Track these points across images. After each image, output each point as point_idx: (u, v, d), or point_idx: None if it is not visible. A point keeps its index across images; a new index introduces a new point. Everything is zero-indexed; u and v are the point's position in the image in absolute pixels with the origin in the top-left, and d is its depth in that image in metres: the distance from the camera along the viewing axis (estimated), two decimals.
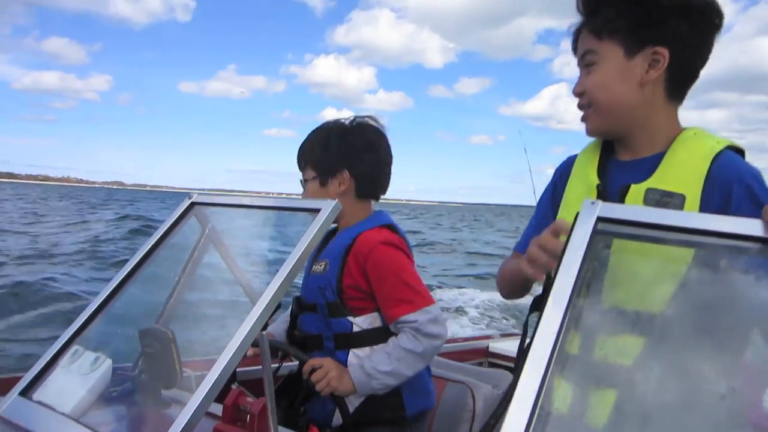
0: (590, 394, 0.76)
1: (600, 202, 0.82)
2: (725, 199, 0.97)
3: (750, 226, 0.71)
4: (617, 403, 0.73)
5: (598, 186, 1.10)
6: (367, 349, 1.50)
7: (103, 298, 1.34)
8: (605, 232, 0.81)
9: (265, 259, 1.68)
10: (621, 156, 1.14)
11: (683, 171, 1.01)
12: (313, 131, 1.66)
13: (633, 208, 0.85)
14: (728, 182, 0.97)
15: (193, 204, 1.47)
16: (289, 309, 1.71)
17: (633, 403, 0.74)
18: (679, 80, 1.07)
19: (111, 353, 1.26)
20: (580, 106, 1.14)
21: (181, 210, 1.45)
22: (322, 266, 1.56)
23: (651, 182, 1.02)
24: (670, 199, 0.99)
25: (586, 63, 1.10)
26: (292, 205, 1.29)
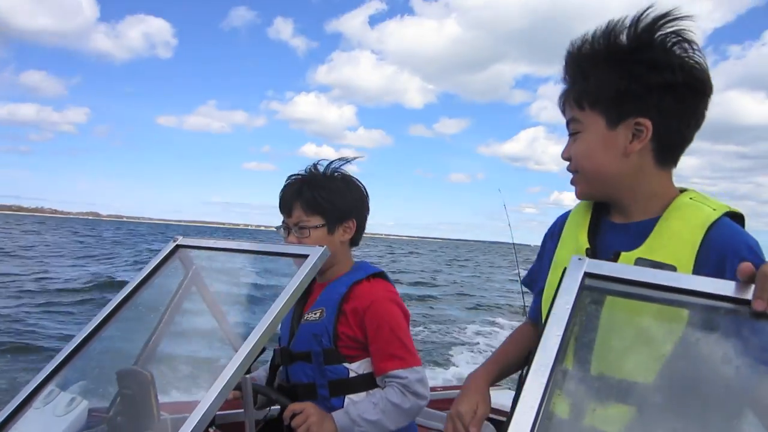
0: None
1: (587, 259, 0.83)
2: (719, 271, 0.93)
3: (730, 287, 0.73)
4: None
5: (587, 250, 1.09)
6: (363, 394, 1.53)
7: (82, 338, 1.32)
8: (592, 287, 0.82)
9: (247, 303, 1.68)
10: (614, 218, 1.12)
11: (675, 241, 0.98)
12: (317, 179, 1.65)
13: (619, 266, 0.85)
14: (722, 255, 0.94)
15: (177, 246, 1.48)
16: (268, 363, 1.71)
17: None
18: (668, 148, 1.05)
19: (88, 394, 1.24)
20: (569, 170, 1.13)
21: (166, 252, 1.46)
22: (318, 314, 1.58)
23: (642, 251, 1.01)
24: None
25: (571, 131, 1.10)
26: (280, 250, 1.31)
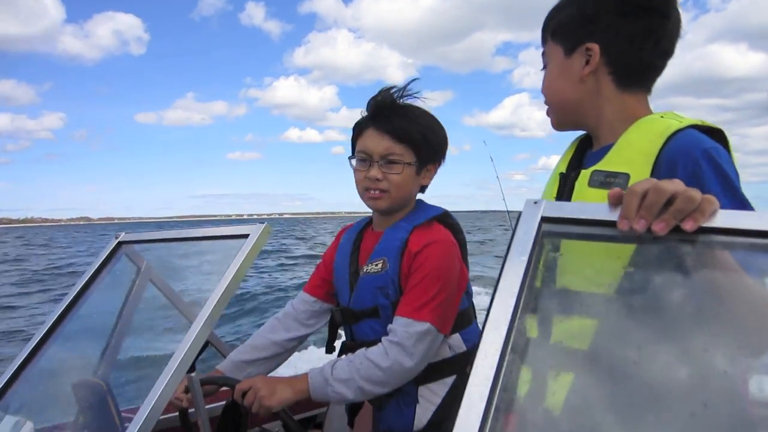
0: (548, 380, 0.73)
1: (544, 201, 0.77)
2: (671, 175, 0.88)
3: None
4: (573, 386, 0.70)
5: (561, 174, 1.14)
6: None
7: (24, 356, 1.23)
8: (552, 233, 0.76)
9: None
10: (594, 147, 1.15)
11: (631, 150, 0.98)
12: (410, 109, 1.43)
13: (577, 204, 0.79)
14: (674, 157, 0.91)
15: (120, 243, 1.37)
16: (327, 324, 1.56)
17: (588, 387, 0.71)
18: (626, 70, 1.05)
19: (34, 414, 1.15)
20: (545, 104, 1.18)
21: (107, 252, 1.35)
22: (380, 265, 1.41)
23: (599, 165, 1.02)
24: (614, 179, 0.96)
25: (543, 65, 1.16)
26: (219, 234, 1.21)
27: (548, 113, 1.18)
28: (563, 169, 1.15)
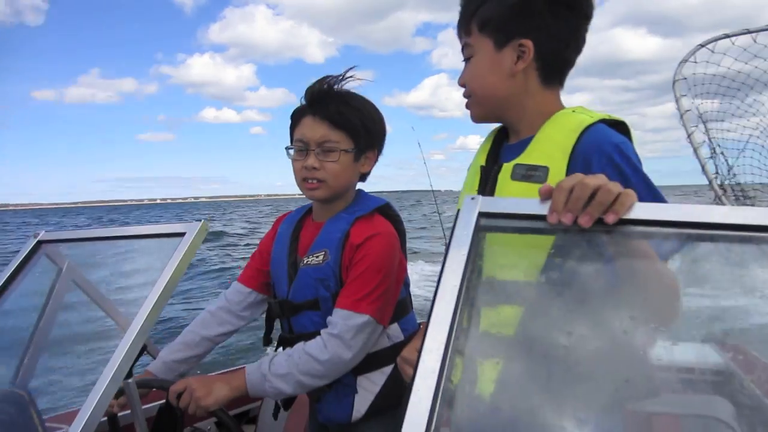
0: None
1: (480, 197, 0.81)
2: (586, 169, 0.97)
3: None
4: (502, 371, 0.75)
5: (481, 167, 1.16)
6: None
7: None
8: (488, 227, 0.79)
9: (137, 289, 1.52)
10: (511, 140, 1.18)
11: (549, 145, 1.03)
12: (344, 94, 1.41)
13: (512, 200, 0.83)
14: (588, 153, 0.98)
15: (40, 243, 1.29)
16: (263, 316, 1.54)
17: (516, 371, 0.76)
18: (551, 68, 1.10)
19: None
20: (464, 96, 1.18)
21: (26, 251, 1.27)
22: (321, 257, 1.39)
23: (520, 158, 1.06)
24: (534, 172, 1.02)
25: (465, 56, 1.14)
26: (154, 232, 1.16)
27: (469, 105, 1.18)
28: (483, 162, 1.18)
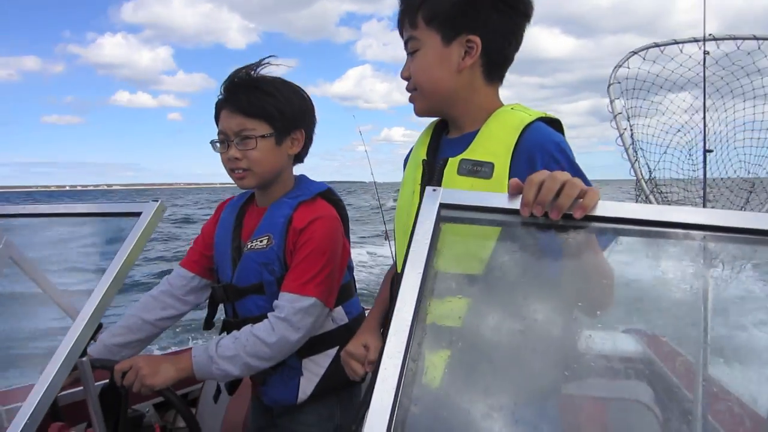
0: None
1: (441, 189, 0.85)
2: (531, 166, 1.02)
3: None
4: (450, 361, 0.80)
5: (423, 161, 1.17)
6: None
7: None
8: (448, 218, 0.84)
9: (80, 271, 1.48)
10: (451, 134, 1.20)
11: (493, 142, 1.07)
12: (255, 80, 1.43)
13: (471, 193, 0.89)
14: (532, 150, 1.03)
15: None
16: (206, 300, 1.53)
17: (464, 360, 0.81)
18: (494, 64, 1.13)
19: None
20: (408, 89, 1.18)
21: None
22: (264, 241, 1.41)
23: (466, 154, 1.09)
24: (481, 168, 1.06)
25: (410, 50, 1.14)
26: (107, 210, 1.14)
27: (413, 99, 1.19)
28: (424, 156, 1.20)
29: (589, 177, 0.98)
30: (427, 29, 1.10)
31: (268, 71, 1.47)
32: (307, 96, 1.50)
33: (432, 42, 1.10)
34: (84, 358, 0.93)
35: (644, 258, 0.88)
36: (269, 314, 1.37)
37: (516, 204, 0.81)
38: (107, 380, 1.29)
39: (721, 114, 3.29)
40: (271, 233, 1.41)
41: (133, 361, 1.29)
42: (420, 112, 1.20)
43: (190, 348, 1.39)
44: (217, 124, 1.45)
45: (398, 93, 33.56)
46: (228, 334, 1.41)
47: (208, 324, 1.55)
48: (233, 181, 1.47)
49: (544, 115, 1.11)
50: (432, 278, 0.80)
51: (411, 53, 1.14)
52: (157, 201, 1.07)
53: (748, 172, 3.32)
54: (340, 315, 1.50)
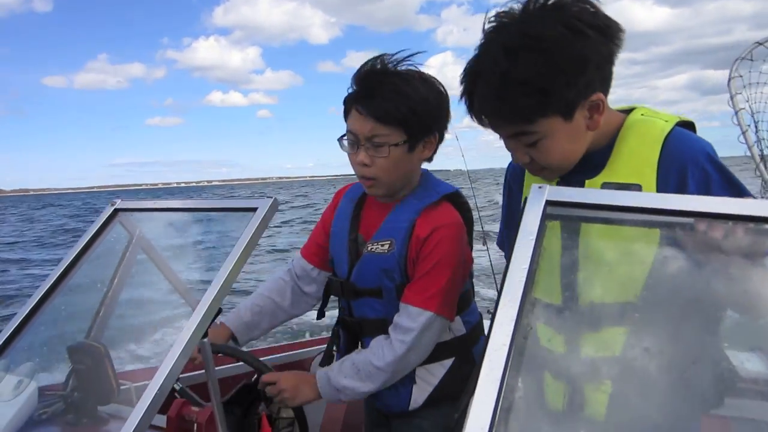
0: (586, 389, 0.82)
1: (548, 186, 0.83)
2: (681, 181, 0.95)
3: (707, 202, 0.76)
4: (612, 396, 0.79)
5: (558, 183, 1.08)
6: None
7: (22, 317, 1.24)
8: (555, 215, 0.82)
9: (202, 262, 1.61)
10: None
11: (635, 160, 0.99)
12: (395, 79, 1.29)
13: (581, 190, 0.86)
14: (683, 165, 0.95)
15: (116, 211, 1.38)
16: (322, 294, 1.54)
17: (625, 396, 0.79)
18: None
19: (36, 374, 1.17)
20: (533, 171, 1.10)
21: (104, 218, 1.36)
22: (386, 246, 1.35)
23: (605, 176, 1.02)
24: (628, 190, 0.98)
25: (524, 142, 1.02)
26: (226, 206, 1.24)
27: (537, 173, 1.08)
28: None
29: None
30: (543, 120, 0.97)
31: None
32: (444, 90, 1.37)
33: (555, 127, 0.98)
34: (205, 339, 1.01)
35: None
36: (391, 333, 1.33)
37: (626, 201, 0.78)
38: (249, 380, 1.42)
39: None
40: (394, 238, 1.35)
41: (279, 377, 1.36)
42: (551, 181, 1.10)
43: (314, 375, 1.41)
44: (346, 119, 1.35)
45: None
46: (346, 350, 1.44)
47: (321, 314, 1.57)
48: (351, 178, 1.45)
49: (679, 119, 1.02)
50: (534, 273, 0.78)
51: (528, 146, 1.02)
52: (271, 198, 1.15)
53: None
54: (458, 325, 1.44)
